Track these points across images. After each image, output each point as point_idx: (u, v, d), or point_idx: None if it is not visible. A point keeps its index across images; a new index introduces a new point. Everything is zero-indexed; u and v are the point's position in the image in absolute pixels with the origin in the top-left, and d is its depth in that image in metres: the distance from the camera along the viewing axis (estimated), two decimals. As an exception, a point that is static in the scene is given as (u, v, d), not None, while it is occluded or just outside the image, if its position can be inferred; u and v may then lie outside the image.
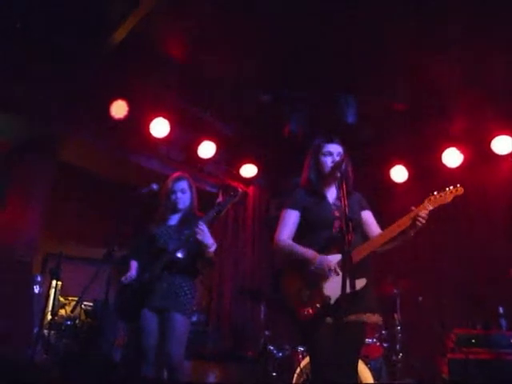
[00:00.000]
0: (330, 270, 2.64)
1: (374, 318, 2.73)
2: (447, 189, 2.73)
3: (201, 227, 3.23)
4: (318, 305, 2.64)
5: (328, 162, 2.89)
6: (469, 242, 5.72)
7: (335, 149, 2.92)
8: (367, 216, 2.98)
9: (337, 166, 2.81)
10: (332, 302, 2.61)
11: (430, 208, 2.68)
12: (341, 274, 2.61)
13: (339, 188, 2.79)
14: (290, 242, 2.85)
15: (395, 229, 2.69)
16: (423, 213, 2.66)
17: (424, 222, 2.65)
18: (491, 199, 5.70)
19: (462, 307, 5.33)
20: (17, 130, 5.10)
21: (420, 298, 5.06)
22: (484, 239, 5.60)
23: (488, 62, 4.79)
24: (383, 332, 4.69)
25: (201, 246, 3.33)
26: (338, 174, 2.78)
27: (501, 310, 4.75)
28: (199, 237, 3.24)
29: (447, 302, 5.38)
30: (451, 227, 5.82)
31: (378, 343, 4.62)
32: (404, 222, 2.68)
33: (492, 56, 4.72)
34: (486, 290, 5.28)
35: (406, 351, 4.84)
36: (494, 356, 4.40)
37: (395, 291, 4.97)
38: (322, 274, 2.66)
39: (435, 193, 2.72)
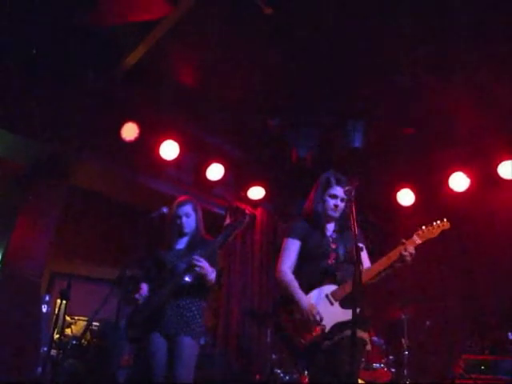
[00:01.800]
0: (313, 321, 2.75)
1: (363, 335, 2.81)
2: (434, 223, 2.93)
3: (195, 260, 3.25)
4: (314, 334, 2.75)
5: (331, 204, 3.05)
6: (477, 267, 5.72)
7: (340, 193, 3.04)
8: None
9: (338, 210, 3.04)
10: (327, 330, 2.74)
11: (419, 242, 2.86)
12: (335, 303, 2.79)
13: (337, 223, 3.03)
14: (291, 277, 2.96)
15: (385, 262, 2.85)
16: (410, 248, 2.81)
17: (410, 256, 2.80)
18: (498, 223, 5.70)
19: (470, 333, 5.29)
20: (30, 153, 5.18)
21: (428, 323, 5.04)
22: (492, 263, 5.60)
23: (495, 87, 4.85)
24: (391, 357, 4.68)
25: (198, 275, 3.34)
26: (337, 215, 3.01)
27: (510, 335, 4.71)
28: (198, 265, 3.26)
29: (455, 328, 5.36)
30: (458, 252, 5.82)
31: (385, 368, 4.60)
32: (392, 255, 2.84)
33: (499, 82, 4.79)
34: (495, 316, 5.25)
35: (413, 376, 4.81)
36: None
37: (403, 316, 4.96)
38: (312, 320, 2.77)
39: (423, 227, 2.90)
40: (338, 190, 3.05)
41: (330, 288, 2.83)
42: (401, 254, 2.80)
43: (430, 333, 5.10)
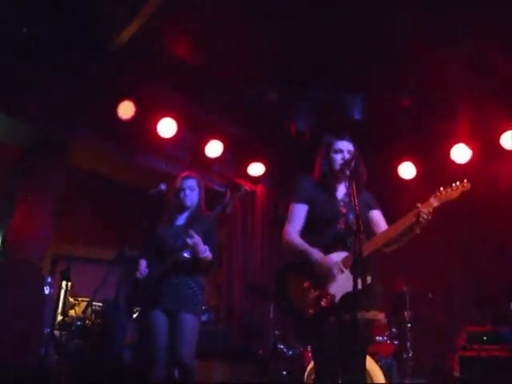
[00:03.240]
0: (336, 271, 2.63)
1: (378, 316, 2.75)
2: (454, 184, 2.70)
3: (190, 236, 3.23)
4: (323, 303, 2.64)
5: (338, 159, 2.88)
6: (479, 238, 5.70)
7: (345, 146, 2.91)
8: (376, 215, 2.95)
9: (346, 163, 2.80)
10: (337, 300, 2.62)
11: (436, 205, 2.65)
12: (346, 271, 2.63)
13: (349, 185, 2.78)
14: (299, 239, 2.83)
15: (400, 225, 2.68)
16: (427, 210, 2.62)
17: (427, 219, 2.62)
18: (501, 194, 5.66)
19: (472, 304, 5.30)
20: (28, 134, 5.14)
21: (430, 295, 5.04)
22: (494, 235, 5.58)
23: (496, 58, 4.76)
24: (393, 330, 4.68)
25: (194, 253, 3.33)
26: (348, 172, 2.77)
27: (511, 306, 4.72)
28: (191, 242, 3.24)
29: (457, 299, 5.37)
30: (461, 223, 5.79)
31: (388, 341, 4.61)
32: (408, 218, 2.65)
33: (500, 52, 4.69)
34: (497, 287, 5.25)
35: (416, 349, 4.83)
36: (505, 353, 4.38)
37: (405, 289, 4.96)
38: (328, 274, 2.66)
39: (441, 189, 2.69)
40: (342, 143, 2.91)
41: (340, 255, 2.68)
42: (418, 216, 2.60)
43: (433, 305, 5.10)
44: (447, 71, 4.99)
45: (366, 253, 2.61)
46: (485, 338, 4.53)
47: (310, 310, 2.65)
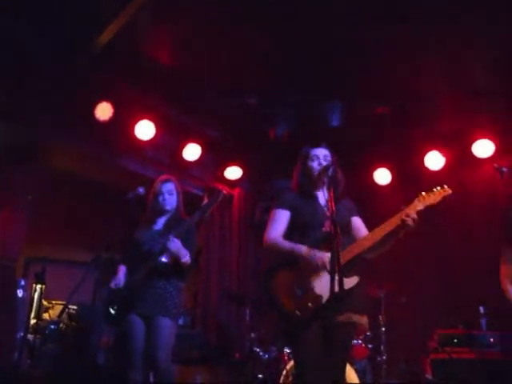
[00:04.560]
0: (322, 263, 2.63)
1: (363, 320, 2.76)
2: (435, 189, 2.73)
3: (172, 241, 3.24)
4: (310, 304, 2.64)
5: (315, 165, 2.94)
6: (450, 243, 5.83)
7: (321, 152, 2.97)
8: (357, 222, 3.00)
9: (324, 169, 2.85)
10: (324, 301, 2.62)
11: (420, 208, 2.67)
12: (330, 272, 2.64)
13: (328, 191, 2.80)
14: (281, 239, 2.86)
15: (385, 228, 2.69)
16: (413, 212, 2.65)
17: (413, 221, 2.63)
18: (472, 201, 5.79)
19: (444, 308, 5.42)
20: (2, 135, 5.05)
21: (403, 299, 5.14)
22: (465, 240, 5.71)
23: (469, 67, 4.89)
24: (368, 333, 4.76)
25: (174, 257, 3.34)
26: (326, 178, 2.81)
27: (481, 309, 4.85)
28: (172, 247, 3.25)
29: (430, 303, 5.48)
30: (433, 229, 5.90)
31: (363, 344, 4.69)
32: (394, 221, 2.67)
33: (473, 62, 4.82)
34: (468, 291, 5.38)
35: (390, 352, 4.91)
36: (475, 355, 4.49)
37: (380, 293, 5.04)
38: (314, 272, 2.67)
39: (423, 193, 2.72)
40: (318, 150, 2.97)
41: (325, 255, 2.65)
42: (403, 219, 2.62)
43: (406, 309, 5.20)
44: (422, 80, 5.10)
45: (350, 256, 2.66)
46: (456, 340, 4.63)
47: (298, 312, 2.66)
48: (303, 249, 2.73)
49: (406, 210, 2.67)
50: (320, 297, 2.63)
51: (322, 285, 2.63)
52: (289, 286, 2.73)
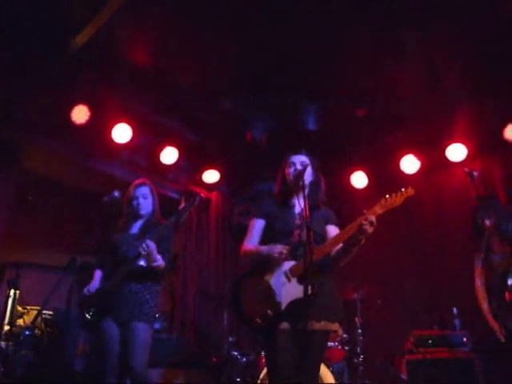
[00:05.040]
0: (279, 254, 2.71)
1: (332, 327, 2.78)
2: (399, 191, 2.77)
3: (146, 245, 3.23)
4: (269, 311, 2.70)
5: (291, 171, 2.99)
6: (425, 246, 5.92)
7: (298, 159, 3.02)
8: (331, 230, 3.01)
9: (297, 175, 2.90)
10: (283, 308, 2.67)
11: (380, 212, 2.70)
12: (293, 279, 2.71)
13: (302, 198, 2.82)
14: (253, 246, 2.94)
15: (344, 234, 2.74)
16: (370, 218, 2.65)
17: (369, 227, 2.64)
18: (446, 204, 5.91)
19: (419, 309, 5.50)
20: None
21: (379, 302, 5.20)
22: (440, 243, 5.80)
23: (444, 72, 4.99)
24: (344, 336, 4.80)
25: (148, 262, 3.33)
26: (301, 183, 2.83)
27: (455, 310, 4.94)
28: (144, 253, 3.23)
29: (405, 305, 5.56)
30: (408, 232, 6.01)
31: (339, 347, 4.72)
32: (352, 227, 2.70)
33: (447, 67, 4.92)
34: (442, 292, 5.48)
35: (366, 354, 4.96)
36: (449, 354, 4.59)
37: (356, 296, 5.09)
38: (276, 280, 2.74)
39: (387, 196, 2.75)
40: (296, 157, 3.02)
41: (288, 264, 2.76)
42: (360, 224, 2.64)
43: (382, 311, 5.26)
44: (398, 85, 5.18)
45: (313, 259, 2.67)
46: (430, 341, 4.72)
47: (258, 320, 2.72)
48: (265, 247, 2.84)
49: (366, 214, 2.68)
50: (279, 303, 2.69)
51: (282, 292, 2.71)
52: (253, 294, 2.80)
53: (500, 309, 3.88)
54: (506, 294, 3.85)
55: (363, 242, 2.74)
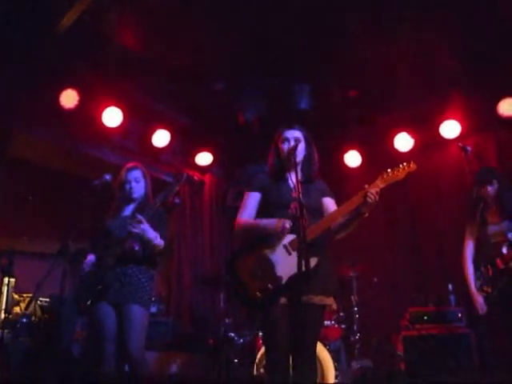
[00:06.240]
0: (282, 229, 2.68)
1: (327, 301, 2.77)
2: (400, 165, 2.77)
3: (138, 221, 3.19)
4: (269, 285, 2.67)
5: (285, 147, 2.94)
6: (420, 224, 5.94)
7: (292, 134, 2.97)
8: (328, 203, 2.99)
9: (290, 150, 2.86)
10: (284, 282, 2.65)
11: (382, 186, 2.71)
12: (293, 253, 2.66)
13: (295, 172, 2.79)
14: (251, 219, 2.91)
15: (347, 207, 2.73)
16: (374, 190, 2.67)
17: (375, 199, 2.65)
18: (441, 181, 5.92)
19: (415, 287, 5.53)
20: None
21: (375, 280, 5.22)
22: (434, 220, 5.82)
23: (437, 48, 4.94)
24: (341, 314, 4.82)
25: (143, 241, 3.29)
26: (293, 159, 2.82)
27: (450, 287, 4.97)
28: (135, 230, 3.20)
29: (401, 283, 5.59)
30: (403, 210, 6.02)
31: (336, 325, 4.75)
32: (356, 199, 2.70)
33: (440, 45, 4.87)
34: (437, 270, 5.51)
35: (363, 331, 5.00)
36: (444, 330, 4.64)
37: (352, 274, 5.11)
38: (274, 254, 2.71)
39: (388, 170, 2.75)
40: (290, 132, 2.97)
41: (288, 237, 2.72)
42: (365, 195, 2.64)
43: (378, 289, 5.28)
44: (390, 63, 5.13)
45: (311, 236, 2.65)
46: (426, 317, 4.76)
47: (258, 294, 2.68)
48: (264, 220, 2.81)
49: (368, 188, 2.70)
50: (280, 278, 2.66)
51: (283, 266, 2.67)
52: (251, 269, 2.76)
53: (486, 278, 3.94)
54: (498, 262, 3.88)
55: (366, 215, 2.74)
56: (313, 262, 2.63)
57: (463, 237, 4.21)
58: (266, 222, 2.81)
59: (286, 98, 5.49)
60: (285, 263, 2.66)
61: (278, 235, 2.72)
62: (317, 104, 5.65)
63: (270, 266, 2.71)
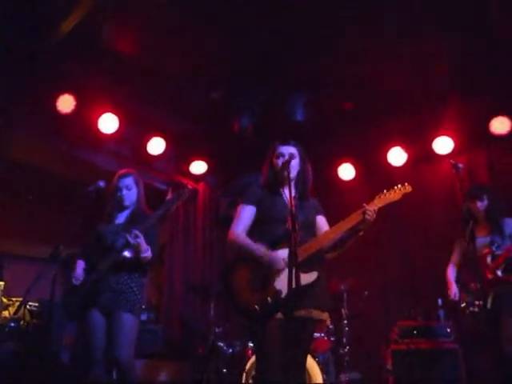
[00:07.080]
0: (279, 265, 2.69)
1: (323, 316, 2.80)
2: (396, 187, 2.83)
3: (135, 235, 3.20)
4: (269, 299, 2.67)
5: (279, 163, 2.97)
6: (411, 239, 5.96)
7: (287, 150, 2.99)
8: (321, 221, 3.04)
9: (284, 164, 2.88)
10: (283, 295, 2.65)
11: (380, 205, 2.76)
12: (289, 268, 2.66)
13: (289, 188, 2.82)
14: (245, 237, 2.89)
15: (347, 223, 2.76)
16: (372, 208, 2.72)
17: (373, 216, 2.71)
18: (432, 196, 5.95)
19: (404, 301, 5.55)
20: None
21: (366, 293, 5.23)
22: (425, 235, 5.86)
23: (430, 65, 5.00)
24: (330, 326, 4.83)
25: (136, 252, 3.30)
26: (286, 173, 2.83)
27: (439, 301, 5.00)
28: (133, 241, 3.20)
29: (391, 297, 5.61)
30: (394, 224, 6.03)
31: (325, 337, 4.75)
32: (355, 216, 2.74)
33: (434, 61, 4.94)
34: (427, 284, 5.53)
35: (352, 344, 5.00)
36: (432, 345, 4.66)
37: (342, 287, 5.12)
38: (273, 269, 2.71)
39: (384, 191, 2.81)
40: (285, 148, 3.00)
41: (285, 252, 2.71)
42: (364, 212, 2.70)
43: (368, 303, 5.30)
44: (386, 78, 5.19)
45: (307, 254, 2.70)
46: (415, 331, 4.78)
47: (257, 306, 2.68)
48: (261, 250, 2.77)
49: (366, 206, 2.74)
50: (279, 292, 2.67)
51: (281, 280, 2.67)
52: (248, 281, 2.75)
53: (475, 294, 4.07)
54: (487, 273, 3.97)
55: (361, 234, 2.79)
56: (312, 276, 2.66)
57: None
58: (260, 252, 2.77)
59: (281, 108, 5.53)
60: (283, 277, 2.65)
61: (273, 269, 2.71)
62: (311, 115, 5.69)
63: (268, 280, 2.72)
